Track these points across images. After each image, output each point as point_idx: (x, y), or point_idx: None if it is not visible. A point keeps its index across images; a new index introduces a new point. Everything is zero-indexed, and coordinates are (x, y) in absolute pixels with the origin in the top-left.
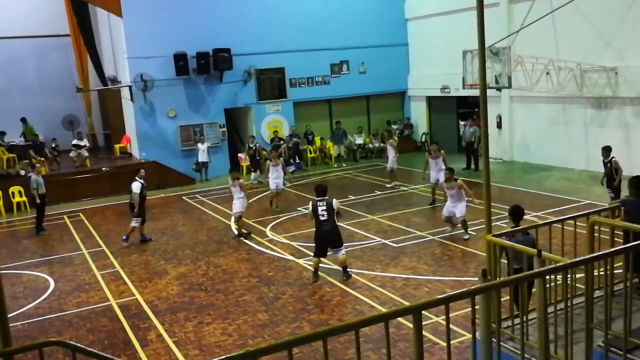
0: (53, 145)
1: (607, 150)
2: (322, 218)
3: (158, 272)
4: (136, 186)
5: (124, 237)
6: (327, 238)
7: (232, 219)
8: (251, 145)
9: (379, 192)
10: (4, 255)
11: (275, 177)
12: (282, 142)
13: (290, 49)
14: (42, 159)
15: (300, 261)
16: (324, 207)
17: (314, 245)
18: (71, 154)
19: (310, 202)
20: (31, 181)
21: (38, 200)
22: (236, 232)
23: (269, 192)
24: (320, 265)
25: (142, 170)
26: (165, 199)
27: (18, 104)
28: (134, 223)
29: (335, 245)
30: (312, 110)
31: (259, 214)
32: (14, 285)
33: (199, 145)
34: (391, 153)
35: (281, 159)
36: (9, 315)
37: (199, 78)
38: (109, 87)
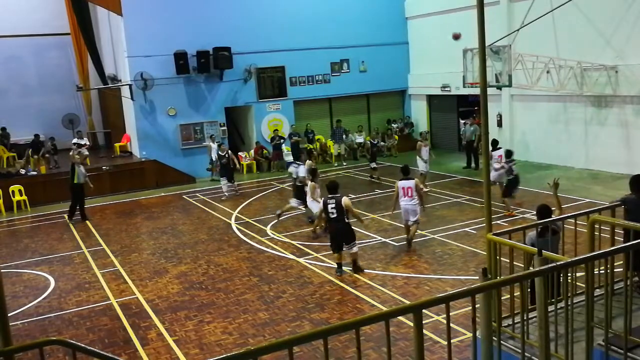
0: (50, 144)
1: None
2: (332, 216)
3: (158, 271)
4: (302, 170)
5: (310, 219)
6: (339, 235)
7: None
8: (222, 154)
9: (380, 191)
10: (4, 254)
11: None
12: (282, 140)
13: (291, 48)
14: (40, 157)
15: (301, 260)
16: (333, 205)
17: (330, 241)
18: (71, 153)
19: (322, 200)
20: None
21: (83, 181)
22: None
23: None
24: (320, 264)
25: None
26: (166, 198)
27: (18, 103)
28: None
29: (348, 241)
30: (312, 108)
31: (259, 213)
32: (14, 284)
33: (211, 144)
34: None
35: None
36: (9, 314)
37: (199, 77)
38: (109, 85)
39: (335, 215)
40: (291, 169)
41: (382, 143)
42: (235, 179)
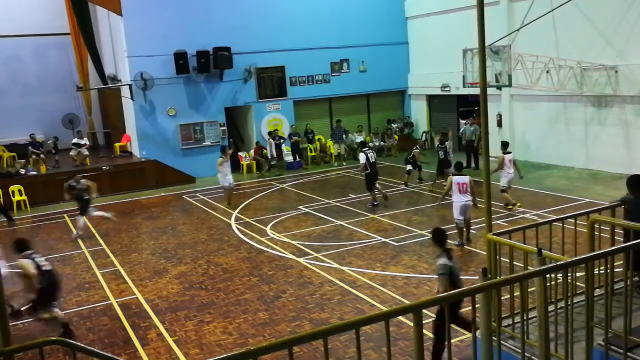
0: (51, 144)
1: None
2: (45, 268)
3: (158, 271)
4: (362, 157)
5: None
6: (56, 286)
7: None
8: (74, 184)
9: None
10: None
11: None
12: (282, 140)
13: (291, 48)
14: (37, 157)
15: (301, 260)
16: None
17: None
18: (71, 153)
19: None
20: None
21: None
22: None
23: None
24: (320, 264)
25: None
26: (166, 198)
27: (18, 103)
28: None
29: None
30: (312, 108)
31: (259, 213)
32: (14, 284)
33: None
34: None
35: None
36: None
37: (199, 77)
38: (109, 85)
39: (46, 268)
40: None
41: (381, 143)
42: (89, 213)
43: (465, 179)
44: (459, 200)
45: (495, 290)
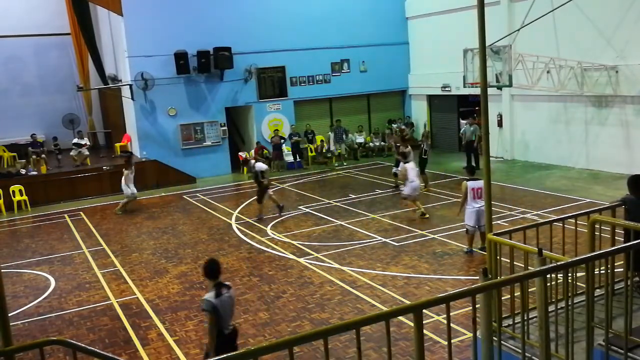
0: (52, 144)
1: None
2: None
3: (159, 271)
4: (259, 166)
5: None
6: None
7: None
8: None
9: (380, 191)
10: (5, 254)
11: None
12: (283, 140)
13: (291, 48)
14: (38, 157)
15: (301, 260)
16: None
17: None
18: (72, 153)
19: None
20: None
21: None
22: None
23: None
24: (320, 264)
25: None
26: (166, 198)
27: (18, 103)
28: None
29: None
30: (312, 108)
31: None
32: (14, 284)
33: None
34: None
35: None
36: (9, 314)
37: (199, 77)
38: (110, 85)
39: None
40: None
41: (382, 143)
42: None
43: (480, 183)
44: (471, 206)
45: (495, 290)
